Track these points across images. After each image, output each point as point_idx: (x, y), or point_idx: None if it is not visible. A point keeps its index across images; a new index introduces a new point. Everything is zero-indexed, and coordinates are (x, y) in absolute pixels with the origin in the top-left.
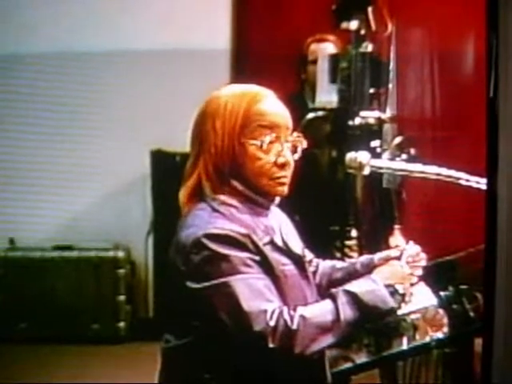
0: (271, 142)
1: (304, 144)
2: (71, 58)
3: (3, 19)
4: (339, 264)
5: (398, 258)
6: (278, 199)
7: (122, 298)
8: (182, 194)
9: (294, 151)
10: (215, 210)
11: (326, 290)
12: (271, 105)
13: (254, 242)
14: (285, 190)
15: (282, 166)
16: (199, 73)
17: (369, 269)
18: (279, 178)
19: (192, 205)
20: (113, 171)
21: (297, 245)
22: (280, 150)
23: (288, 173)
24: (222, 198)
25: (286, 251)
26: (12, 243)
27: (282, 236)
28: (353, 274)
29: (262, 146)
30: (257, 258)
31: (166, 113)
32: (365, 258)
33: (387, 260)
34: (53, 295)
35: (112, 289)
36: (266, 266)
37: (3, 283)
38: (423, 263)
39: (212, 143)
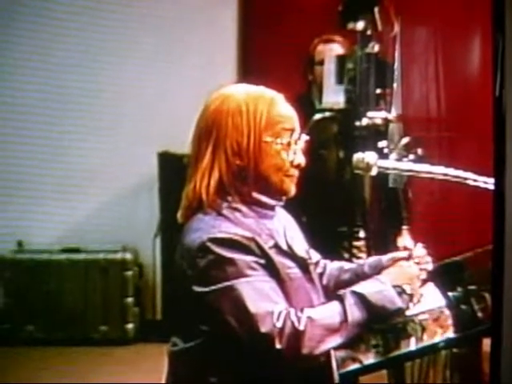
0: (290, 143)
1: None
2: (82, 65)
3: None
4: (347, 265)
5: (406, 259)
6: (284, 200)
7: (129, 300)
8: (204, 192)
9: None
10: (220, 214)
11: (333, 292)
12: (287, 108)
13: (259, 246)
14: (294, 189)
15: (297, 166)
16: (206, 75)
17: (376, 270)
18: (292, 176)
19: (214, 201)
20: (120, 173)
21: (301, 247)
22: (295, 151)
23: (297, 173)
24: (228, 201)
25: (290, 255)
26: (20, 246)
27: (287, 239)
28: (360, 276)
29: (286, 146)
30: (262, 261)
31: (173, 115)
32: (372, 259)
33: (395, 261)
34: (60, 297)
35: (120, 291)
36: (272, 269)
37: (11, 285)
38: (430, 266)
39: (234, 140)
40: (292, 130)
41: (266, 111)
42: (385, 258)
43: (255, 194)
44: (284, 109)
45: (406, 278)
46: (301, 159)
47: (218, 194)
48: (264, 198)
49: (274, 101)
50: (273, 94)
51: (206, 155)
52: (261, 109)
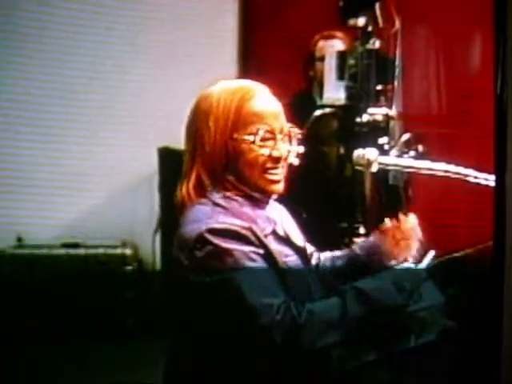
0: (264, 137)
1: (298, 135)
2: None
3: None
4: (338, 252)
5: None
6: (274, 196)
7: (129, 295)
8: (184, 192)
9: (290, 143)
10: (216, 205)
11: (330, 281)
12: (263, 100)
13: (256, 235)
14: (280, 187)
15: (277, 160)
16: (206, 71)
17: (368, 251)
18: (272, 173)
19: (195, 200)
20: (120, 169)
21: (298, 237)
22: (274, 144)
23: (282, 168)
24: (222, 191)
25: (288, 242)
26: (20, 241)
27: (284, 227)
28: (353, 259)
29: (254, 141)
30: (260, 251)
31: (173, 110)
32: (362, 240)
33: (383, 230)
34: (60, 292)
35: (119, 286)
36: (270, 259)
37: (11, 281)
38: (420, 237)
39: (206, 141)
40: (264, 123)
41: (236, 105)
42: (373, 236)
43: (243, 188)
44: (258, 101)
45: (403, 248)
46: (279, 152)
47: (201, 191)
48: (252, 193)
49: (248, 93)
50: (250, 87)
51: (187, 157)
52: (229, 104)
